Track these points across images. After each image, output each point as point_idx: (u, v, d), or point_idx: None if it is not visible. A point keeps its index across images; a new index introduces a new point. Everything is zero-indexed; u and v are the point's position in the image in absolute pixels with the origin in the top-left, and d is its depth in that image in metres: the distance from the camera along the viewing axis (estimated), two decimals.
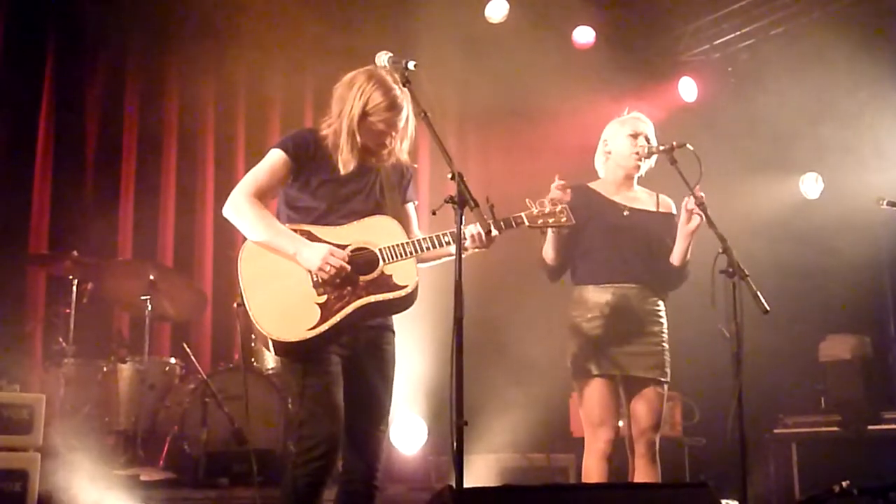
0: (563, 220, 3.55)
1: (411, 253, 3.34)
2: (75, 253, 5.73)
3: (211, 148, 7.31)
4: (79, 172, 6.75)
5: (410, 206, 3.63)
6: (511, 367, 6.56)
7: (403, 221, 3.49)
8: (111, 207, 6.80)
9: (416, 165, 3.67)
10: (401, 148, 3.50)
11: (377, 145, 3.45)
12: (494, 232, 3.30)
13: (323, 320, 3.24)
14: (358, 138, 3.40)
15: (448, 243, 3.34)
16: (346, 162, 3.41)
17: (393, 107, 3.37)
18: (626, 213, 4.18)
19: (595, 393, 4.02)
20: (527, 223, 3.50)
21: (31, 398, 4.59)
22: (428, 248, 3.36)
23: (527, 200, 3.54)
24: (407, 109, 3.41)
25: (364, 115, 3.37)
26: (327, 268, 3.24)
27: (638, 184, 4.31)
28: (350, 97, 3.38)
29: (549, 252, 4.17)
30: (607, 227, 4.13)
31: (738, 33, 7.70)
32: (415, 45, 6.24)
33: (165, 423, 5.68)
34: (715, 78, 8.00)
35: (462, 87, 7.21)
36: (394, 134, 3.43)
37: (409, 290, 3.32)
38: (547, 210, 3.53)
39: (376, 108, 3.36)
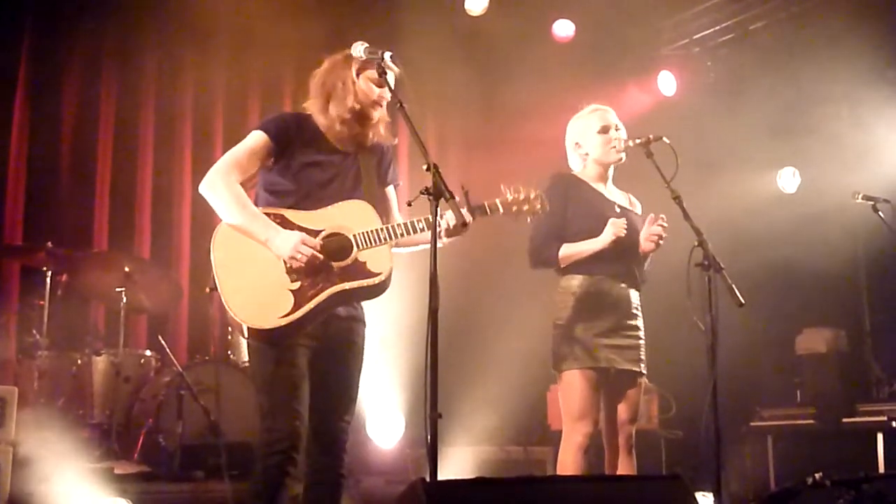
0: (538, 206, 3.49)
1: (385, 239, 3.30)
2: (50, 244, 5.65)
3: (188, 138, 7.24)
4: (54, 162, 6.67)
5: (391, 190, 3.60)
6: (489, 359, 6.55)
7: (382, 206, 3.46)
8: (86, 198, 6.75)
9: (395, 141, 3.60)
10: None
11: (364, 118, 3.41)
12: (469, 219, 3.24)
13: (296, 307, 3.20)
14: (359, 89, 3.37)
15: (423, 229, 3.30)
16: (339, 133, 3.38)
17: (384, 72, 3.35)
18: (617, 209, 4.16)
19: (578, 385, 3.99)
20: (501, 211, 3.44)
21: (4, 391, 4.56)
22: (402, 235, 3.32)
23: (501, 186, 3.47)
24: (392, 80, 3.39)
25: (360, 70, 3.38)
26: (298, 256, 3.20)
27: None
28: (341, 65, 3.40)
29: (574, 256, 4.07)
30: (602, 219, 4.06)
31: (717, 28, 7.73)
32: (395, 37, 6.23)
33: (140, 415, 5.64)
34: (694, 72, 8.02)
35: (442, 79, 7.19)
36: (384, 101, 3.40)
37: (382, 277, 3.28)
38: (522, 196, 3.47)
39: (366, 65, 3.37)
